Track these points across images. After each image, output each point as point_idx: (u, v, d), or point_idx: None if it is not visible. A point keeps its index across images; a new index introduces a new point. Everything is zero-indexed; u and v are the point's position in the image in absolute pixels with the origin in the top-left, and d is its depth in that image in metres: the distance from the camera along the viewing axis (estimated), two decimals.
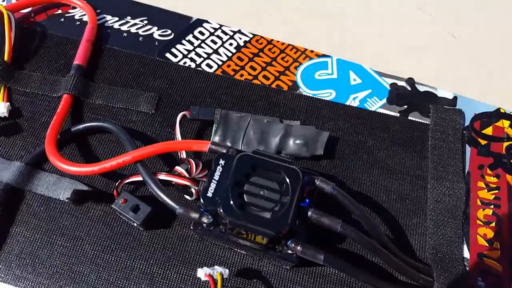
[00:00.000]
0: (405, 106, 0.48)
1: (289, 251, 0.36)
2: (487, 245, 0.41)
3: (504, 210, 0.43)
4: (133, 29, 0.50)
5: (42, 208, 0.41)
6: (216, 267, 0.35)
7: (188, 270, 0.39)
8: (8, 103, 0.44)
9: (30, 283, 0.38)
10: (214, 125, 0.43)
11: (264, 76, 0.49)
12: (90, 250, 0.39)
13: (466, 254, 0.40)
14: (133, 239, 0.40)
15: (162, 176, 0.39)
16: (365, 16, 0.60)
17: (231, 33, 0.51)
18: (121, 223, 0.40)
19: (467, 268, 0.40)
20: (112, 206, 0.39)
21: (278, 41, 0.51)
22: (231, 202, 0.34)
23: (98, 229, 0.40)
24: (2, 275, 0.38)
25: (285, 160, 0.36)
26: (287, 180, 0.35)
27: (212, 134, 0.43)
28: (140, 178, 0.39)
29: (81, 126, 0.43)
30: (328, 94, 0.48)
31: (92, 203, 0.41)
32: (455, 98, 0.49)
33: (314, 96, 0.48)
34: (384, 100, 0.48)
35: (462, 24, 0.61)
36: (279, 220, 0.33)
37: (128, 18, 0.51)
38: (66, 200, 0.40)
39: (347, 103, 0.48)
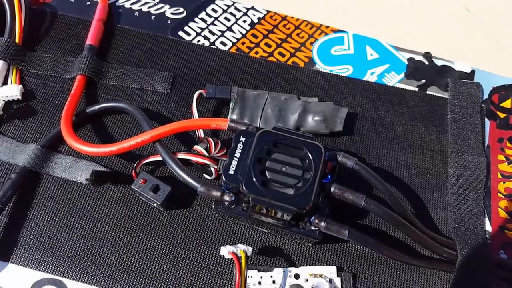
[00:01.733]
0: (423, 81, 0.47)
1: (312, 228, 0.35)
2: (509, 217, 0.40)
3: None
4: (144, 8, 0.49)
5: (60, 191, 0.40)
6: (239, 245, 0.35)
7: (210, 250, 0.38)
8: (20, 86, 0.43)
9: (50, 266, 0.37)
10: (231, 104, 0.42)
11: (280, 53, 0.48)
12: (110, 232, 0.39)
13: (488, 227, 0.40)
14: (153, 219, 0.39)
15: (181, 155, 0.38)
16: None
17: (245, 10, 0.50)
18: (141, 204, 0.40)
19: (489, 241, 0.39)
20: (132, 186, 0.38)
21: (292, 17, 0.50)
22: (254, 179, 0.33)
23: (118, 210, 0.39)
24: (22, 258, 0.37)
25: (306, 136, 0.35)
26: (309, 156, 0.34)
27: (230, 112, 0.42)
28: (159, 158, 0.38)
29: (96, 107, 0.42)
30: (345, 70, 0.47)
31: (110, 185, 0.40)
32: (472, 71, 0.48)
33: (331, 72, 0.47)
34: (402, 75, 0.47)
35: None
36: (302, 196, 0.33)
37: None
38: (85, 182, 0.39)
39: (365, 78, 0.47)
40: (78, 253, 0.38)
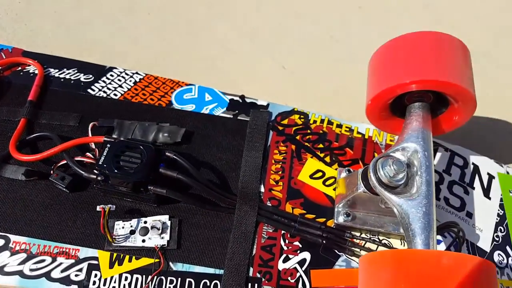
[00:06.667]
0: (237, 111, 0.71)
1: (150, 193, 0.57)
2: (275, 184, 0.63)
3: (287, 165, 0.65)
4: (67, 76, 0.72)
5: (8, 186, 0.60)
6: (109, 205, 0.56)
7: (98, 213, 0.59)
8: None
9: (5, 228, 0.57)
10: (114, 130, 0.65)
11: (151, 99, 0.71)
12: (39, 205, 0.59)
13: (262, 189, 0.62)
14: (65, 198, 0.60)
15: (79, 158, 0.60)
16: (218, 54, 0.84)
17: (131, 74, 0.73)
18: (56, 189, 0.60)
19: (261, 196, 0.61)
20: (50, 178, 0.59)
21: (161, 77, 0.73)
22: (111, 165, 0.55)
23: (43, 193, 0.60)
24: None
25: (145, 141, 0.58)
26: (144, 151, 0.56)
27: (113, 134, 0.64)
28: (65, 162, 0.60)
29: (32, 136, 0.64)
30: (191, 107, 0.71)
31: (39, 179, 0.61)
32: (268, 104, 0.72)
33: (182, 109, 0.70)
34: (225, 109, 0.71)
35: (292, 56, 0.85)
36: (137, 173, 0.55)
37: (64, 69, 0.73)
38: (22, 177, 0.60)
39: (202, 111, 0.70)
40: (18, 218, 0.58)
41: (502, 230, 0.66)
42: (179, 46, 0.84)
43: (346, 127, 0.70)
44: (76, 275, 0.55)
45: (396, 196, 0.49)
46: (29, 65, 0.73)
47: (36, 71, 0.72)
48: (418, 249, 0.44)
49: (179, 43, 0.84)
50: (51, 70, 0.73)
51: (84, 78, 0.72)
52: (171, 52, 0.84)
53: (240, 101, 0.72)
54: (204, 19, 0.86)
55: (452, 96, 0.55)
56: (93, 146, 0.62)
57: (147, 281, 0.55)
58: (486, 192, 0.68)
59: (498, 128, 0.82)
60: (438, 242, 0.62)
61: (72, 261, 0.55)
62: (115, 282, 0.55)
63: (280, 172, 0.65)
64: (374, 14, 0.92)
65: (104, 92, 0.71)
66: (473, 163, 0.71)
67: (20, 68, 0.73)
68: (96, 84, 0.72)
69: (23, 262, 0.55)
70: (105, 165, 0.55)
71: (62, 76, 0.72)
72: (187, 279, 0.55)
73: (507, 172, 0.71)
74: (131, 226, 0.57)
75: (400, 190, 0.50)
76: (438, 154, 0.70)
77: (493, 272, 0.42)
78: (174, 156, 0.58)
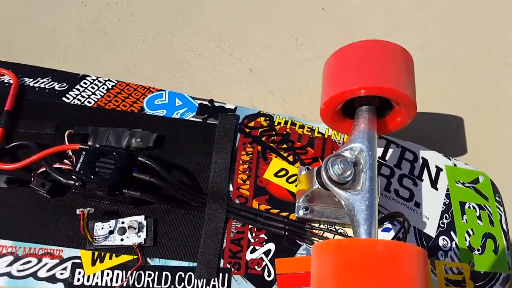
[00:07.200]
0: (206, 115, 0.77)
1: (125, 196, 0.63)
2: (243, 182, 0.70)
3: (254, 164, 0.72)
4: (42, 85, 0.76)
5: None
6: (87, 208, 0.62)
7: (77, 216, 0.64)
8: None
9: None
10: (89, 136, 0.70)
11: (123, 105, 0.76)
12: (23, 211, 0.64)
13: (231, 188, 0.69)
14: (46, 203, 0.65)
15: (57, 165, 0.65)
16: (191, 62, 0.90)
17: (103, 81, 0.78)
18: (37, 195, 0.66)
19: (230, 195, 0.68)
20: (30, 185, 0.64)
21: (132, 83, 0.79)
22: (88, 172, 0.61)
23: (25, 199, 0.65)
24: None
25: (119, 147, 0.64)
26: (118, 157, 0.62)
27: (88, 141, 0.70)
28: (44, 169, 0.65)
29: (11, 145, 0.68)
30: (162, 112, 0.76)
31: (20, 187, 0.66)
32: (235, 108, 0.79)
33: (153, 114, 0.76)
34: (194, 113, 0.77)
35: (259, 60, 0.92)
36: (110, 178, 0.60)
37: (39, 78, 0.77)
38: (4, 185, 0.65)
39: (173, 116, 0.76)
40: (4, 223, 0.63)
41: (447, 218, 0.75)
42: (149, 53, 0.89)
43: (308, 127, 0.78)
44: (61, 274, 0.61)
45: (344, 191, 0.57)
46: (3, 75, 0.77)
47: (11, 81, 0.76)
48: (357, 238, 0.52)
49: (149, 50, 0.89)
50: (26, 79, 0.77)
51: (59, 87, 0.77)
52: (142, 58, 0.89)
53: (209, 105, 0.78)
54: (173, 26, 0.92)
55: (394, 100, 0.63)
56: (70, 153, 0.67)
57: (127, 276, 0.61)
58: (434, 184, 0.77)
59: (450, 124, 0.91)
60: (388, 229, 0.70)
61: (57, 261, 0.61)
62: (97, 278, 0.61)
63: (247, 172, 0.72)
64: (337, 16, 0.99)
65: (79, 100, 0.76)
66: (422, 157, 0.79)
67: None
68: (71, 92, 0.76)
69: (10, 264, 0.60)
70: (81, 172, 0.61)
71: (37, 85, 0.76)
72: (164, 273, 0.62)
73: (455, 165, 0.80)
74: (110, 227, 0.63)
75: (349, 186, 0.58)
76: (390, 150, 0.78)
77: (422, 256, 0.49)
78: (146, 161, 0.64)
